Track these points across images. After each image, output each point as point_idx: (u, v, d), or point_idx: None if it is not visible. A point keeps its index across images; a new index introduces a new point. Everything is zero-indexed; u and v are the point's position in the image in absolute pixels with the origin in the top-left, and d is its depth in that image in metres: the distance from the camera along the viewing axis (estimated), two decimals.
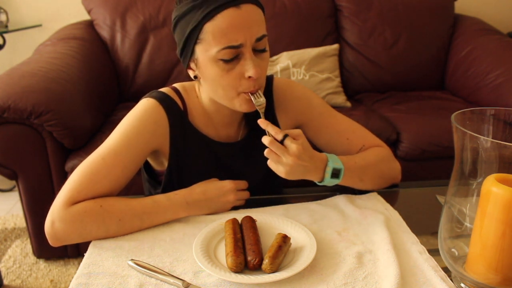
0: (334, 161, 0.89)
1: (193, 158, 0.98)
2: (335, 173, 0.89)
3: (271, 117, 1.04)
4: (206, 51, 0.83)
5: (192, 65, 0.89)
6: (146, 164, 1.06)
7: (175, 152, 0.96)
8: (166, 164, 0.97)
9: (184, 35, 0.84)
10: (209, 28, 0.81)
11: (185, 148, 0.96)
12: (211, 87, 0.89)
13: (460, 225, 0.72)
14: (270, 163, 0.85)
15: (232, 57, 0.82)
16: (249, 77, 0.83)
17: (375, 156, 1.00)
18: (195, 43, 0.84)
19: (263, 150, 1.04)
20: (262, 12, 0.86)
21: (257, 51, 0.85)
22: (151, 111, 0.92)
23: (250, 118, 1.01)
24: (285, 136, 0.83)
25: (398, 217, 0.90)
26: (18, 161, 1.62)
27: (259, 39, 0.83)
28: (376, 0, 2.40)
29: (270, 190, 1.07)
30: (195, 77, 0.91)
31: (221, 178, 0.95)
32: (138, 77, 2.25)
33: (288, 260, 0.75)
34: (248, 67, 0.82)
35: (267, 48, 0.87)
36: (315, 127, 1.05)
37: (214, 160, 1.00)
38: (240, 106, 0.89)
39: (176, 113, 0.95)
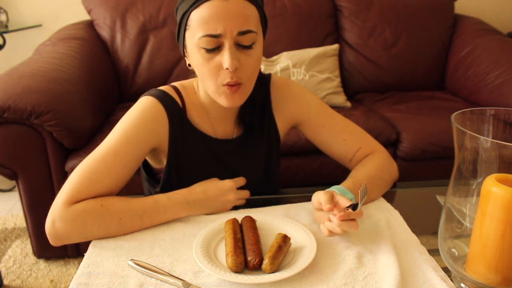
0: (346, 195, 0.87)
1: (192, 155, 0.98)
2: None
3: (269, 115, 1.04)
4: (191, 38, 0.85)
5: (185, 52, 0.91)
6: (145, 163, 1.07)
7: (174, 150, 0.96)
8: (164, 162, 0.97)
9: (178, 22, 0.88)
10: (195, 15, 0.83)
11: (183, 145, 0.97)
12: (199, 76, 0.91)
13: (460, 225, 0.72)
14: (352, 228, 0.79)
15: (212, 47, 0.83)
16: (226, 68, 0.84)
17: (375, 167, 0.99)
18: (185, 29, 0.87)
19: (259, 148, 1.05)
20: (257, 10, 0.86)
21: (240, 46, 0.84)
22: (150, 109, 0.92)
23: (245, 116, 1.01)
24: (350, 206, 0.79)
25: (399, 217, 0.90)
26: (18, 161, 1.62)
27: (242, 33, 0.83)
28: (376, 0, 2.40)
29: (268, 188, 1.07)
30: (189, 65, 0.93)
31: (219, 175, 0.96)
32: (138, 77, 2.25)
33: (288, 260, 0.75)
34: (225, 58, 0.83)
35: (255, 47, 0.86)
36: (312, 126, 1.05)
37: (212, 157, 1.00)
38: (222, 100, 0.89)
39: (175, 110, 0.95)
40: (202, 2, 0.82)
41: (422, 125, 1.94)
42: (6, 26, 2.45)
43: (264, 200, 0.97)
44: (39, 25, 2.55)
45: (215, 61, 0.84)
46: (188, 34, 0.86)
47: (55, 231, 0.81)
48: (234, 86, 0.86)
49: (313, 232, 0.81)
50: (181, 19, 0.86)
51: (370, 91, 2.41)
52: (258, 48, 0.87)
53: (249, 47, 0.85)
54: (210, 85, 0.88)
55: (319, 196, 0.82)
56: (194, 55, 0.87)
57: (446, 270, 0.73)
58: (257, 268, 0.72)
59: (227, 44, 0.83)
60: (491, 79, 2.17)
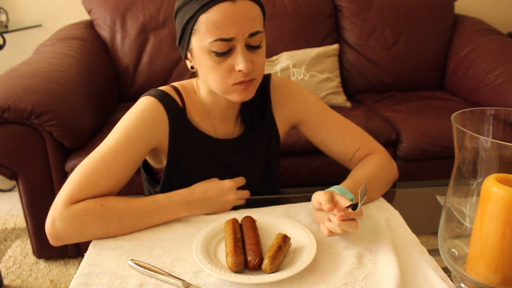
0: (346, 195, 0.87)
1: (192, 155, 0.98)
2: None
3: (268, 115, 1.04)
4: (200, 42, 0.85)
5: (189, 55, 0.91)
6: (145, 163, 1.07)
7: (174, 150, 0.96)
8: (164, 162, 0.97)
9: (182, 25, 0.87)
10: (203, 20, 0.82)
11: (184, 145, 0.97)
12: (205, 77, 0.90)
13: (460, 225, 0.72)
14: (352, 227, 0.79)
15: (224, 50, 0.84)
16: (240, 70, 0.84)
17: (375, 167, 0.99)
18: (191, 33, 0.86)
19: (260, 148, 1.05)
20: (260, 9, 0.87)
21: (250, 47, 0.85)
22: (150, 109, 0.92)
23: (245, 115, 1.01)
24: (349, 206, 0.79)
25: (399, 217, 0.90)
26: (18, 161, 1.62)
27: (252, 35, 0.84)
28: (376, 0, 2.40)
29: (268, 188, 1.07)
30: (192, 67, 0.93)
31: (219, 175, 0.96)
32: (138, 77, 2.25)
33: (288, 260, 0.75)
34: (239, 61, 0.83)
35: (263, 45, 0.88)
36: (312, 126, 1.05)
37: (212, 157, 1.00)
38: (233, 97, 0.89)
39: (175, 110, 0.95)
40: (211, 6, 0.81)
41: (422, 125, 1.94)
42: (6, 26, 2.45)
43: (264, 200, 0.97)
44: (39, 25, 2.55)
45: (226, 63, 0.85)
46: (195, 38, 0.86)
47: (55, 231, 0.81)
48: (247, 82, 0.87)
49: (313, 232, 0.81)
50: (186, 23, 0.85)
51: (370, 91, 2.41)
52: (264, 46, 0.89)
53: (258, 46, 0.86)
54: (219, 86, 0.88)
55: (319, 196, 0.82)
56: (202, 59, 0.87)
57: (446, 270, 0.73)
58: (257, 268, 0.72)
59: (239, 47, 0.83)
60: (491, 79, 2.17)
